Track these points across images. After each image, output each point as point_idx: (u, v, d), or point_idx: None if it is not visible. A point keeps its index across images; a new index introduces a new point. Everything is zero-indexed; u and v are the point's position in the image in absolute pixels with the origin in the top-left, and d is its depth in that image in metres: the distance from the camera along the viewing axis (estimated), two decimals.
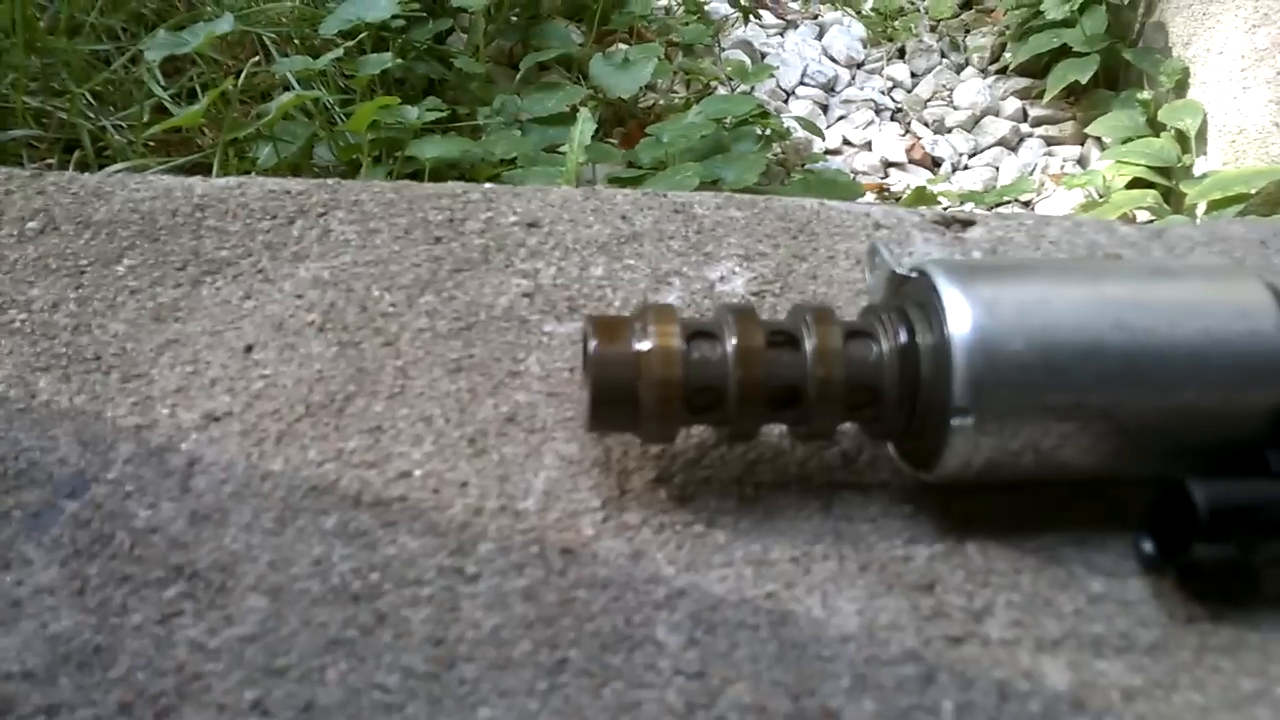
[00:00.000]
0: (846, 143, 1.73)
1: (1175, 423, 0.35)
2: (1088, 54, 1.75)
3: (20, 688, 0.31)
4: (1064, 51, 1.78)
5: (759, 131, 1.48)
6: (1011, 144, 1.73)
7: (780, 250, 0.48)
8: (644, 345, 0.34)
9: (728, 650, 0.33)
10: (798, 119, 1.62)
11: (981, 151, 1.73)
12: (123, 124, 1.16)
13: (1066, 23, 1.78)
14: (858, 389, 0.35)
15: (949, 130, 1.76)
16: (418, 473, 0.38)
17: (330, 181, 0.49)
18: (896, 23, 1.97)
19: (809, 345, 0.35)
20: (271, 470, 0.37)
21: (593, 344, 0.35)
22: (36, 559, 0.34)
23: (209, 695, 0.31)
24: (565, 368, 0.42)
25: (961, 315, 0.34)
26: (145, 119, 1.13)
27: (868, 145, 1.73)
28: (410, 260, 0.46)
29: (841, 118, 1.78)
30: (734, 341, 0.35)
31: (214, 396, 0.40)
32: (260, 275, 0.45)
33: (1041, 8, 1.79)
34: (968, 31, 1.99)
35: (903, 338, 0.35)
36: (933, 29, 2.01)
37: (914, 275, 0.37)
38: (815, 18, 2.00)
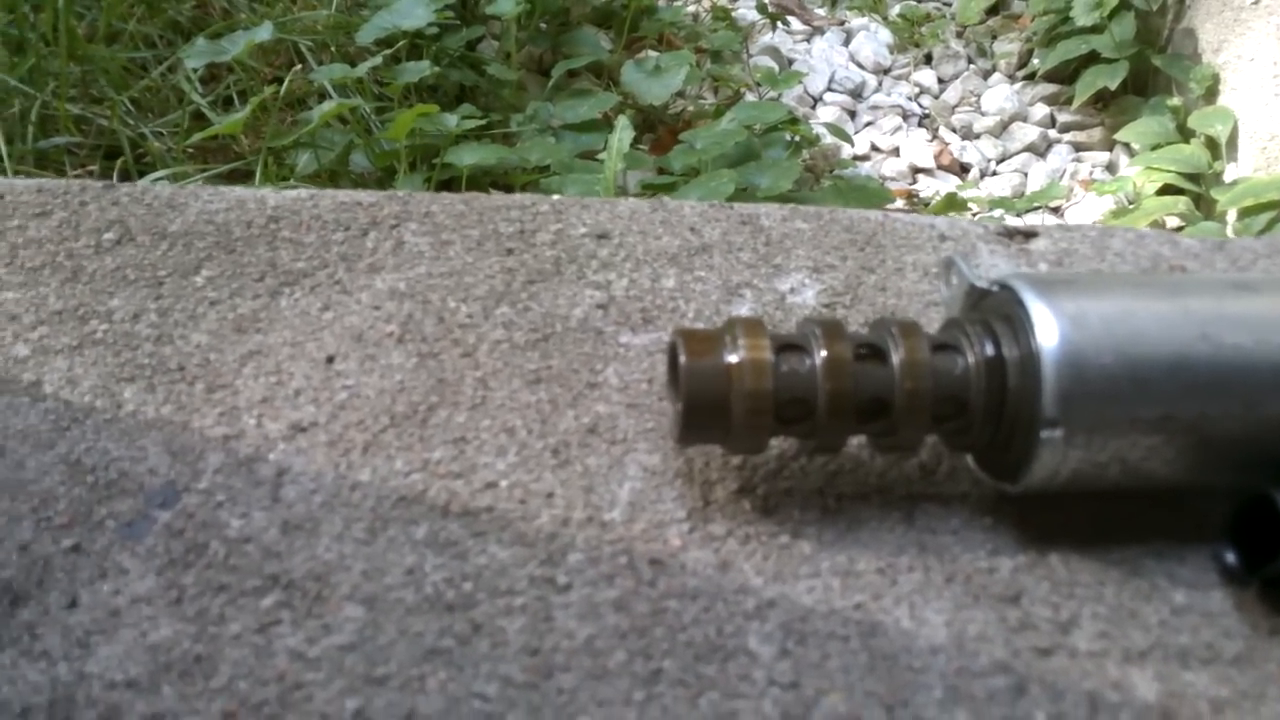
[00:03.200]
0: (875, 149, 1.73)
1: (1260, 434, 0.36)
2: (1117, 60, 1.74)
3: (125, 696, 0.32)
4: (1092, 58, 1.78)
5: (789, 138, 1.48)
6: (1040, 150, 1.73)
7: (848, 262, 0.48)
8: (734, 358, 0.35)
9: (820, 661, 0.34)
10: (826, 125, 1.62)
11: (1010, 157, 1.73)
12: (162, 131, 1.17)
13: (1095, 29, 1.78)
14: (944, 401, 0.36)
15: (977, 136, 1.76)
16: (504, 483, 0.38)
17: (400, 193, 0.49)
18: (923, 29, 1.97)
19: (896, 358, 0.35)
20: (360, 480, 0.38)
21: (683, 357, 0.35)
22: (133, 568, 0.35)
23: (311, 704, 0.32)
24: (643, 379, 0.42)
25: (1049, 328, 0.34)
26: (185, 127, 1.14)
27: (896, 151, 1.73)
28: (484, 272, 0.46)
29: (869, 124, 1.78)
30: (823, 354, 0.35)
31: (299, 407, 0.40)
32: (337, 286, 0.45)
33: (1070, 14, 1.79)
34: (995, 37, 1.99)
35: (989, 350, 0.36)
36: (959, 35, 2.01)
37: (995, 289, 0.37)
38: (842, 24, 2.00)
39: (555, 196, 0.49)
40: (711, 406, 0.35)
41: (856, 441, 0.40)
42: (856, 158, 1.68)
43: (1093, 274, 0.39)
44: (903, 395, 0.35)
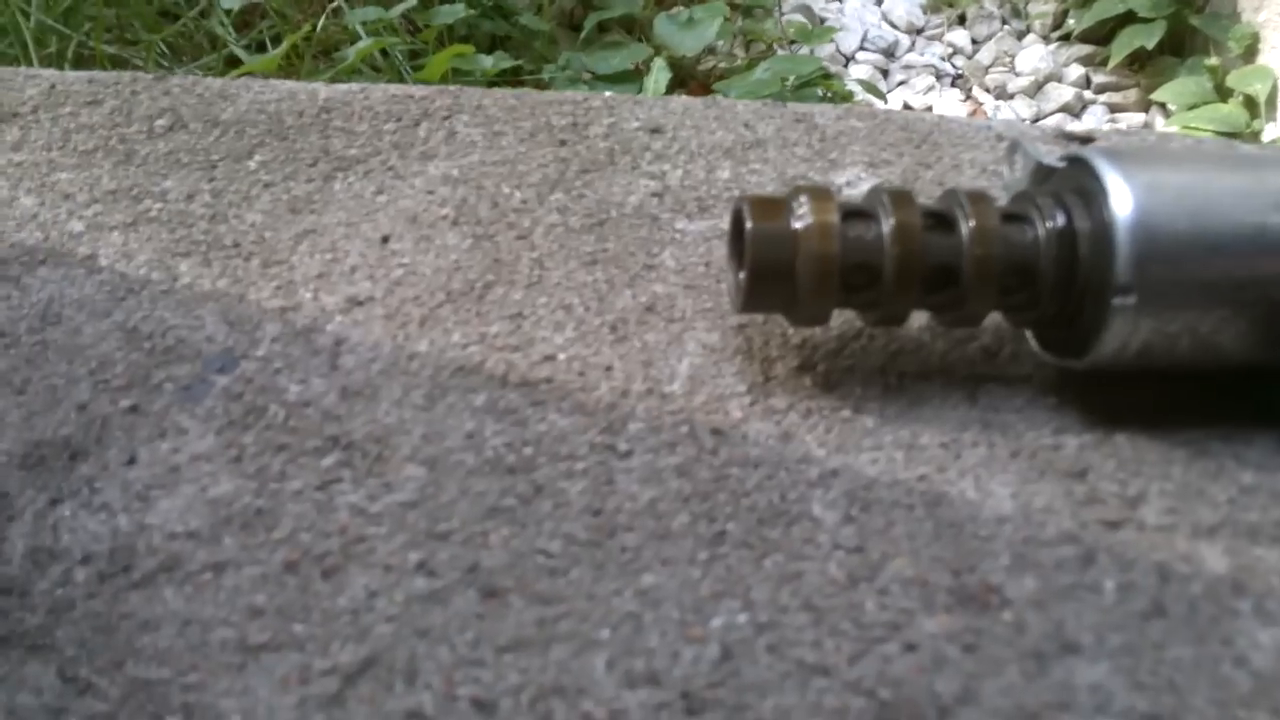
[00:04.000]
0: (907, 108, 1.71)
1: None
2: (1154, 20, 1.72)
3: (186, 546, 0.31)
4: (1129, 17, 1.76)
5: (821, 93, 1.46)
6: (1075, 110, 1.71)
7: (904, 159, 0.48)
8: (801, 223, 0.34)
9: (884, 528, 0.33)
10: (859, 81, 1.61)
11: (1044, 118, 1.71)
12: (197, 73, 1.16)
13: None
14: (1014, 271, 0.35)
15: (1011, 96, 1.74)
16: (562, 356, 0.38)
17: (451, 88, 0.49)
18: None
19: (965, 226, 0.35)
20: (418, 351, 0.37)
21: (749, 222, 0.34)
22: (191, 428, 0.35)
23: (374, 556, 0.31)
24: (700, 263, 0.41)
25: (1123, 196, 0.34)
26: (219, 70, 1.14)
27: (929, 110, 1.71)
28: (537, 161, 0.46)
29: (902, 83, 1.77)
30: (891, 221, 0.34)
31: (355, 283, 0.40)
32: (390, 172, 0.45)
33: None
34: None
35: (1060, 220, 0.35)
36: None
37: (1063, 165, 0.36)
38: None
39: (607, 93, 0.49)
40: (777, 271, 0.34)
41: (917, 325, 0.39)
42: None
43: (1165, 150, 0.39)
44: (971, 262, 0.34)
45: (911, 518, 0.33)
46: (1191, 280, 0.34)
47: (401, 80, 1.22)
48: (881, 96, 1.62)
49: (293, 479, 0.33)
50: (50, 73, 0.49)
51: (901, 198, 0.35)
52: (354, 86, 0.49)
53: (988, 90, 1.76)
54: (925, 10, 1.94)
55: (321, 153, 0.45)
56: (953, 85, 1.79)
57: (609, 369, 0.37)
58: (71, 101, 0.47)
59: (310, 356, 0.37)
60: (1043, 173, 0.38)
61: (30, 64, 1.03)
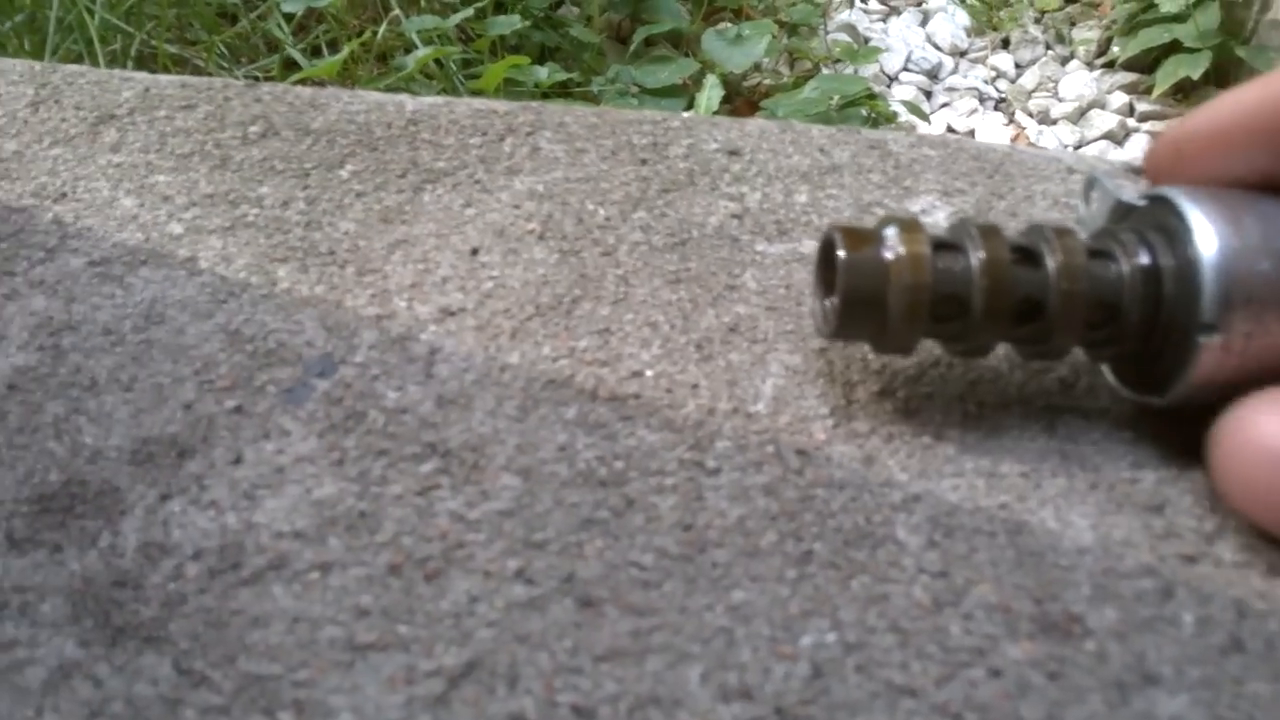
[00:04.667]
0: (950, 130, 1.72)
1: None
2: (1199, 50, 1.72)
3: (293, 545, 0.33)
4: (1174, 47, 1.76)
5: (865, 113, 1.47)
6: (1118, 138, 1.72)
7: (978, 188, 0.48)
8: (892, 254, 0.35)
9: (967, 554, 0.34)
10: (903, 103, 1.62)
11: (1087, 144, 1.71)
12: (256, 75, 1.19)
13: (1178, 17, 1.76)
14: (1099, 306, 0.36)
15: (1054, 122, 1.74)
16: (649, 373, 0.38)
17: (534, 104, 0.50)
18: (1002, 13, 1.96)
19: (1052, 261, 0.35)
20: (509, 363, 0.38)
21: (841, 251, 0.35)
22: (294, 430, 0.36)
23: (474, 562, 0.32)
24: (781, 285, 0.42)
25: (1208, 235, 0.34)
26: (277, 72, 1.16)
27: (971, 133, 1.72)
28: (619, 179, 0.47)
29: (945, 105, 1.77)
30: (980, 254, 0.35)
31: (447, 293, 0.41)
32: (478, 186, 0.46)
33: (1154, 1, 1.77)
34: (1074, 24, 1.97)
35: (1144, 258, 0.36)
36: (1038, 20, 1.99)
37: (1144, 203, 0.37)
38: (919, 4, 1.99)
39: (686, 114, 0.50)
40: (869, 300, 0.35)
41: (994, 355, 0.40)
42: None
43: (1240, 190, 0.39)
44: (1058, 297, 0.35)
45: (994, 545, 0.34)
46: (1276, 322, 0.35)
47: (455, 90, 1.24)
48: (925, 118, 1.63)
49: (393, 483, 0.34)
50: (144, 76, 0.50)
51: (990, 231, 0.36)
52: (439, 100, 0.50)
53: (1030, 115, 1.77)
54: (969, 33, 1.94)
55: (410, 164, 0.46)
56: (995, 109, 1.80)
57: (695, 387, 0.38)
58: (166, 105, 0.49)
59: (406, 364, 0.38)
60: (1122, 210, 0.38)
61: (95, 62, 1.05)
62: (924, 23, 1.93)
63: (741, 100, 1.58)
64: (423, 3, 1.35)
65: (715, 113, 1.38)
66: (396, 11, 1.25)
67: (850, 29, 1.85)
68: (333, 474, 0.34)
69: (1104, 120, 1.71)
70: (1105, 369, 0.39)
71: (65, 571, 0.32)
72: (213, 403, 0.36)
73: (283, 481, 0.34)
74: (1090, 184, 0.40)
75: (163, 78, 0.50)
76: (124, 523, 0.33)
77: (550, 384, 0.38)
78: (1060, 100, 1.77)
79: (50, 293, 0.40)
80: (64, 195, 0.44)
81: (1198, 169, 0.37)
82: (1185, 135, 0.37)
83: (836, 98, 1.44)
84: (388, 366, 0.38)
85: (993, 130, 1.70)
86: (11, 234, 0.43)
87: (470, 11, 1.24)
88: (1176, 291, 0.35)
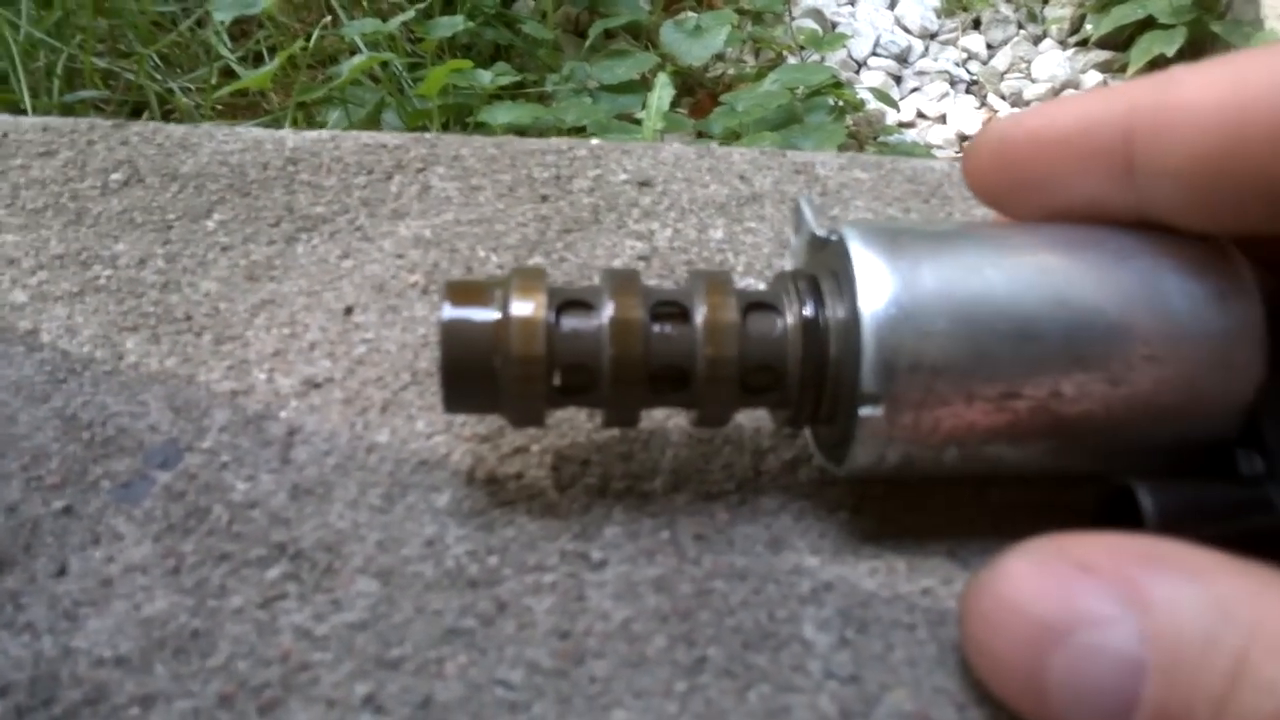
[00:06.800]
0: (921, 115, 1.68)
1: (1127, 416, 0.30)
2: (1174, 26, 1.68)
3: (114, 675, 0.29)
4: (1148, 23, 1.72)
5: (832, 102, 1.43)
6: None
7: (911, 214, 0.44)
8: (502, 315, 0.29)
9: (883, 652, 0.30)
10: (871, 90, 1.57)
11: None
12: (190, 86, 1.14)
13: None
14: (757, 369, 0.30)
15: (1027, 103, 1.70)
16: (535, 448, 0.35)
17: (429, 135, 0.46)
18: None
19: (699, 318, 0.30)
20: (377, 442, 0.34)
21: (444, 313, 0.30)
22: (128, 534, 0.32)
23: (317, 688, 0.28)
24: None
25: (875, 287, 0.29)
26: (213, 81, 1.11)
27: (942, 118, 1.68)
28: (516, 219, 0.43)
29: (915, 90, 1.73)
30: (609, 313, 0.30)
31: (313, 361, 0.37)
32: (358, 233, 0.42)
33: None
34: (1046, 2, 1.93)
35: (808, 311, 0.30)
36: None
37: (834, 239, 0.31)
38: None
39: (594, 141, 0.46)
40: (476, 372, 0.30)
41: None
42: (902, 124, 1.63)
43: (951, 225, 0.33)
44: (704, 363, 0.30)
45: (913, 640, 0.30)
46: (954, 388, 0.29)
47: (402, 93, 1.20)
48: (894, 105, 1.59)
49: (233, 594, 0.30)
50: (4, 119, 0.46)
51: (625, 284, 0.30)
52: (324, 135, 0.46)
53: (1003, 97, 1.73)
54: (939, 14, 1.90)
55: (285, 210, 0.42)
56: (967, 92, 1.76)
57: (585, 463, 0.34)
58: (23, 153, 0.44)
59: (260, 448, 0.34)
60: (818, 244, 0.32)
61: (18, 79, 1.01)
62: (893, 5, 1.89)
63: (704, 92, 1.53)
64: (365, 4, 1.30)
65: (674, 109, 1.34)
66: (329, 18, 1.20)
67: (817, 14, 1.80)
68: (165, 585, 0.30)
69: None
70: (807, 432, 0.34)
71: None
72: (40, 503, 0.32)
73: (109, 596, 0.30)
74: (796, 209, 0.33)
75: (24, 120, 0.46)
76: None
77: (422, 465, 0.34)
78: (1033, 81, 1.73)
79: None
80: None
81: (1020, 178, 0.31)
82: (1011, 135, 0.31)
83: (800, 89, 1.40)
84: (239, 452, 0.34)
85: (964, 115, 1.65)
86: None
87: (412, 13, 1.19)
88: (840, 351, 0.30)
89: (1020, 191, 0.32)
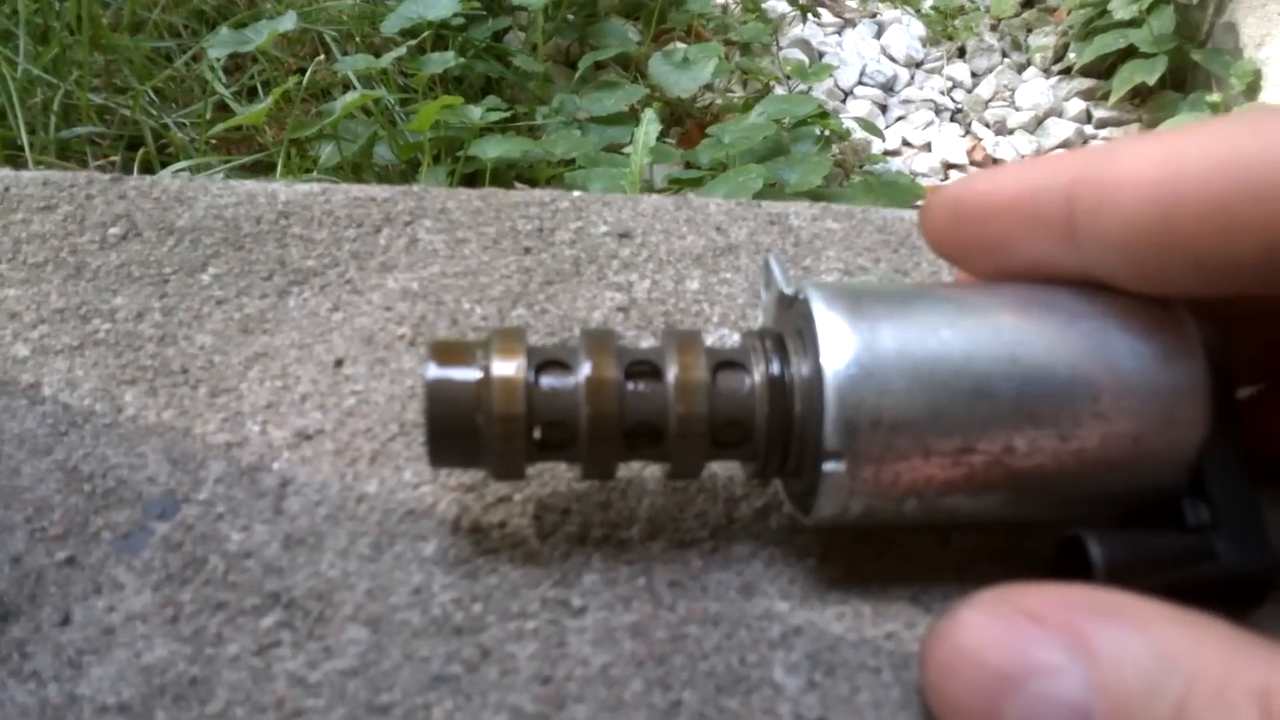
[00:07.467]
0: (906, 144, 1.70)
1: (1077, 470, 0.31)
2: (1155, 55, 1.71)
3: None
4: (1130, 52, 1.75)
5: (818, 132, 1.45)
6: (1075, 146, 1.70)
7: (881, 265, 0.46)
8: (484, 375, 0.31)
9: (849, 695, 0.32)
10: (857, 119, 1.60)
11: (1044, 153, 1.69)
12: (185, 121, 1.15)
13: (1133, 23, 1.74)
14: (727, 425, 0.32)
15: (1011, 132, 1.73)
16: (517, 497, 0.36)
17: (416, 189, 0.48)
18: (957, 21, 1.94)
19: (670, 377, 0.32)
20: (366, 492, 0.36)
21: (429, 372, 0.31)
22: (128, 583, 0.33)
23: None
24: None
25: (836, 347, 0.30)
26: (208, 117, 1.12)
27: (927, 146, 1.70)
28: (500, 272, 0.44)
29: (900, 118, 1.76)
30: (586, 373, 0.31)
31: (305, 413, 0.38)
32: (348, 286, 0.43)
33: (1108, 7, 1.75)
34: (1030, 31, 1.96)
35: (775, 369, 0.32)
36: (994, 28, 1.98)
37: (801, 297, 0.32)
38: (874, 16, 1.97)
39: (576, 193, 0.47)
40: (460, 428, 0.31)
41: None
42: (887, 153, 1.65)
43: (912, 287, 0.34)
44: (676, 420, 0.31)
45: (878, 683, 0.32)
46: (911, 444, 0.30)
47: (394, 126, 1.21)
48: (880, 134, 1.61)
49: (230, 642, 0.32)
50: (5, 173, 0.48)
51: (601, 344, 0.32)
52: (315, 188, 0.47)
53: (987, 125, 1.75)
54: (925, 43, 1.93)
55: (278, 264, 0.44)
56: (952, 120, 1.78)
57: (565, 512, 0.36)
58: (24, 208, 0.46)
59: (255, 499, 0.36)
60: (786, 302, 0.34)
61: (15, 115, 1.02)
62: (879, 34, 1.91)
63: (693, 123, 1.55)
64: (359, 39, 1.32)
65: (662, 139, 1.36)
66: (322, 56, 1.22)
67: (804, 44, 1.83)
68: (165, 634, 0.32)
69: (1061, 129, 1.70)
70: (778, 483, 0.36)
71: None
72: (44, 554, 0.34)
73: (111, 645, 0.32)
74: (766, 266, 0.35)
75: (24, 175, 0.47)
76: None
77: (409, 515, 0.35)
78: (1017, 109, 1.75)
79: None
80: None
81: (973, 240, 0.33)
82: (964, 199, 0.33)
83: (787, 119, 1.42)
84: (234, 503, 0.35)
85: (949, 143, 1.68)
86: None
87: (404, 50, 1.21)
88: (805, 409, 0.31)
89: (974, 251, 0.34)
